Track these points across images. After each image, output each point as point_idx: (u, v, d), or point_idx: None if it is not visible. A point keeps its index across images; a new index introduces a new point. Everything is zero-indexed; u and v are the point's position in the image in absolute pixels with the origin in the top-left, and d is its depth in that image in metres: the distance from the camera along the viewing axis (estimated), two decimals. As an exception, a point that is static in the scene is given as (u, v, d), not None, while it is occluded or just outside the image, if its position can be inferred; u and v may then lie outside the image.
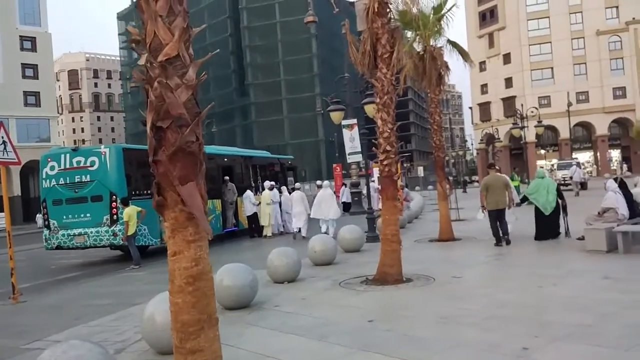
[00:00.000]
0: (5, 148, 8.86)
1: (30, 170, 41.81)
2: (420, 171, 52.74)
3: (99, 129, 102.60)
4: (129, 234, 11.99)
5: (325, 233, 14.05)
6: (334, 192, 17.11)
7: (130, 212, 12.01)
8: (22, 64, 51.56)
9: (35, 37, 52.92)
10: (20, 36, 51.84)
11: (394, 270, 7.87)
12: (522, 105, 46.40)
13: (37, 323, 7.39)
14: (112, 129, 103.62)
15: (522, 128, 33.54)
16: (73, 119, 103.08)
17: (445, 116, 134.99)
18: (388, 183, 8.08)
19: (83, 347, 3.50)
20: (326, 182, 16.01)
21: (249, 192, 17.12)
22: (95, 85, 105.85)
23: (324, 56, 68.27)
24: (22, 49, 51.97)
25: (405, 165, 61.93)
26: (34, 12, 53.98)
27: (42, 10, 54.78)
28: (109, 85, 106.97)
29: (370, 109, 12.47)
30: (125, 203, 12.28)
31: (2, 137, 8.87)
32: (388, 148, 8.09)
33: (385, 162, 8.08)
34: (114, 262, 13.92)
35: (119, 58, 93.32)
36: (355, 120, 26.03)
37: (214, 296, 2.93)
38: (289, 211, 17.88)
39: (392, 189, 8.09)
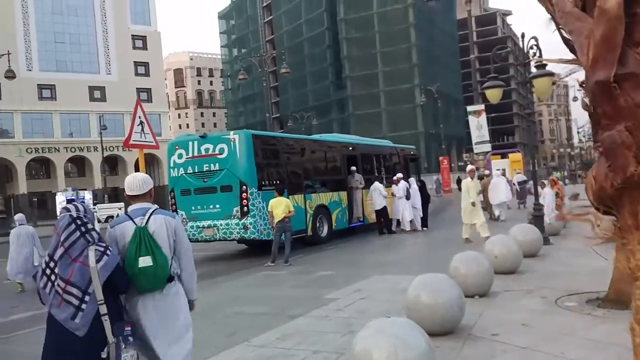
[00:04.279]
0: (143, 129, 7.85)
1: (145, 163, 43.33)
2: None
3: (202, 125, 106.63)
4: (274, 226, 10.75)
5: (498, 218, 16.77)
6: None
7: (274, 204, 10.71)
8: (134, 62, 53.84)
9: (145, 36, 55.07)
10: (132, 35, 54.14)
11: (638, 289, 5.74)
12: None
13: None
14: (214, 124, 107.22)
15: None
16: (179, 115, 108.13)
17: (549, 107, 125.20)
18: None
19: None
20: (497, 172, 18.61)
21: (377, 184, 15.41)
22: (199, 82, 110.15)
23: (422, 46, 64.83)
24: (134, 47, 54.27)
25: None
26: (145, 11, 56.17)
27: (151, 10, 56.82)
28: (211, 83, 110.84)
29: (544, 84, 10.21)
30: (279, 192, 11.00)
31: (140, 117, 7.86)
32: None
33: None
34: (242, 257, 12.90)
35: (219, 56, 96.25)
36: (482, 106, 23.52)
37: None
38: (416, 205, 16.03)
39: None
